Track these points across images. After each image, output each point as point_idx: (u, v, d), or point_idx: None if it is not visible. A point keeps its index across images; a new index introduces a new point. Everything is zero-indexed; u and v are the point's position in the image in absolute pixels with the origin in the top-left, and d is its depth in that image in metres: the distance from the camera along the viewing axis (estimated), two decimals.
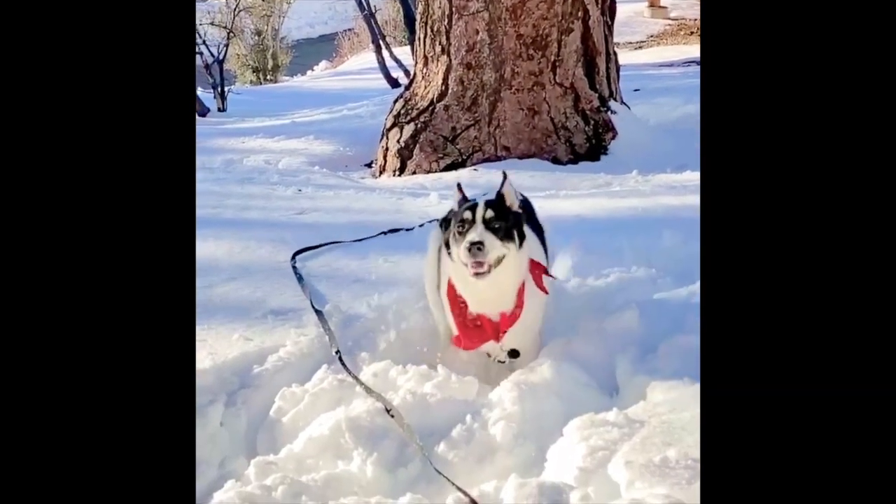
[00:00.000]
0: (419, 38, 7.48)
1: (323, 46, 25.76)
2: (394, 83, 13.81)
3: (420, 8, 7.51)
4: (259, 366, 3.25)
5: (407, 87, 7.86)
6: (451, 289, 3.09)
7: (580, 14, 6.97)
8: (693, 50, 12.18)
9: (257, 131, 9.68)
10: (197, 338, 3.43)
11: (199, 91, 13.57)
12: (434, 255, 3.27)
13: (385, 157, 7.39)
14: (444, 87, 7.08)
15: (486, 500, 2.27)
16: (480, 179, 6.00)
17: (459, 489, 2.33)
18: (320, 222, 5.30)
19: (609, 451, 2.40)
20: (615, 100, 7.42)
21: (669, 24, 16.80)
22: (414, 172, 7.02)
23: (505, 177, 3.09)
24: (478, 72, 6.94)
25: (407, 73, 12.46)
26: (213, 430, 2.93)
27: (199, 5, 14.43)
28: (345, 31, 24.31)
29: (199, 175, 6.80)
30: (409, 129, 7.20)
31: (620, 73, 7.74)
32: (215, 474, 2.79)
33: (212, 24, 16.11)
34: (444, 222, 3.14)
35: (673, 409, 2.58)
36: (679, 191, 5.37)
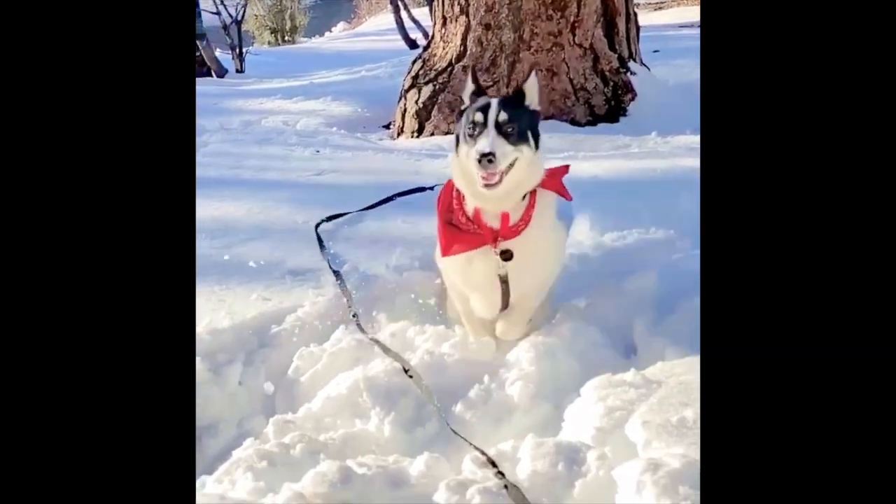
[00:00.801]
0: None
1: (341, 7, 25.66)
2: (412, 44, 13.76)
3: None
4: (277, 325, 3.26)
5: (425, 49, 7.80)
6: (447, 189, 2.95)
7: None
8: None
9: (275, 92, 9.66)
10: (216, 298, 3.46)
11: (218, 52, 13.57)
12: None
13: (403, 118, 7.36)
14: (462, 48, 7.03)
15: (504, 460, 2.28)
16: None
17: (476, 448, 2.34)
18: (338, 183, 5.31)
19: (626, 412, 2.40)
20: (635, 61, 7.35)
21: None
22: (432, 134, 6.98)
23: (531, 71, 2.91)
24: (496, 32, 6.87)
25: (425, 34, 12.40)
26: (233, 388, 2.96)
27: None
28: None
29: (217, 136, 6.84)
30: (427, 91, 7.16)
31: (640, 33, 7.65)
32: (234, 432, 2.82)
33: None
34: (459, 114, 2.92)
35: (690, 369, 2.57)
36: (698, 152, 5.32)
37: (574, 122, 6.80)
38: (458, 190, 2.88)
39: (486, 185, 2.68)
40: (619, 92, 6.99)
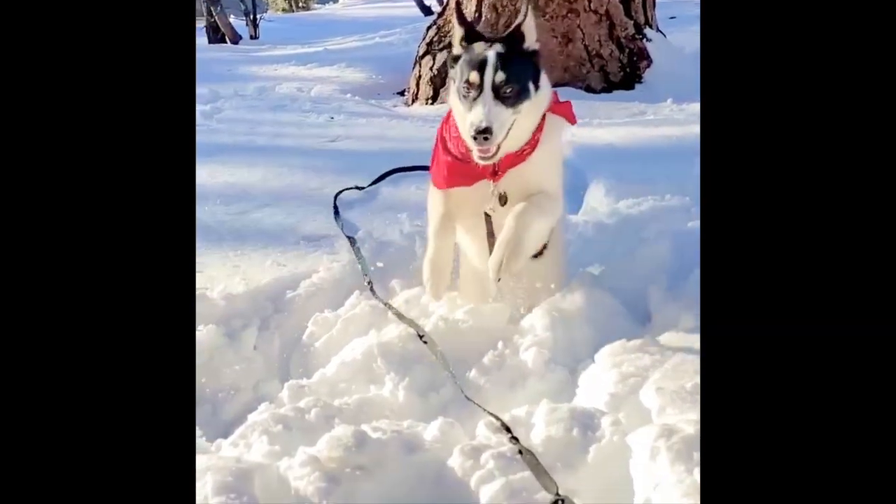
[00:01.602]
0: None
1: None
2: (426, 10, 13.69)
3: None
4: (292, 291, 3.27)
5: (440, 15, 7.77)
6: (449, 116, 2.80)
7: None
8: None
9: (289, 59, 9.65)
10: (230, 263, 3.48)
11: (232, 18, 13.55)
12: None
13: (417, 85, 7.34)
14: (477, 15, 6.97)
15: (518, 425, 2.28)
16: None
17: (491, 414, 2.34)
18: (353, 150, 5.31)
19: (640, 378, 2.40)
20: (651, 27, 7.30)
21: None
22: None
23: (527, 6, 2.62)
24: None
25: (439, 0, 12.32)
26: (248, 353, 2.97)
27: None
28: None
29: (231, 102, 6.84)
30: (441, 58, 7.10)
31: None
32: (250, 396, 2.84)
33: None
34: (454, 59, 2.68)
35: None
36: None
37: (589, 89, 6.77)
38: None
39: (482, 158, 2.57)
40: (635, 59, 6.95)
